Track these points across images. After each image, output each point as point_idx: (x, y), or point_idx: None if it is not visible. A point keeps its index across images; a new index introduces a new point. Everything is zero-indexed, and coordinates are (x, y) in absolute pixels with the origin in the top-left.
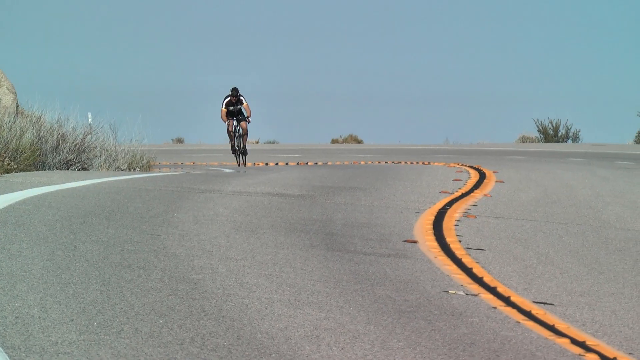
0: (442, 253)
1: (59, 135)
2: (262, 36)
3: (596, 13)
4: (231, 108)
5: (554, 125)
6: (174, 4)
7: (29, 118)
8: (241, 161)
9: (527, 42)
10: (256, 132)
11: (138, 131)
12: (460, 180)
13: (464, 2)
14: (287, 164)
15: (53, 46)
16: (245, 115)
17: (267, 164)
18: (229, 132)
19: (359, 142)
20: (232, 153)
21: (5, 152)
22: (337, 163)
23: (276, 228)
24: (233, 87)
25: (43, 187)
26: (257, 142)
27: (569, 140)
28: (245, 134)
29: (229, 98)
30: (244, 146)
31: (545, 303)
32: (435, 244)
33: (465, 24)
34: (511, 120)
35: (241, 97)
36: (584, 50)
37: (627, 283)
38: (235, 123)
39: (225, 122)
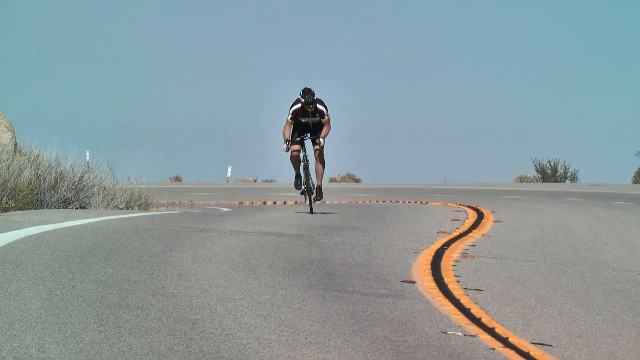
0: (440, 293)
1: (57, 174)
2: (257, 75)
3: (594, 52)
4: (303, 120)
5: (552, 165)
6: (173, 38)
7: (27, 156)
8: (311, 201)
9: (526, 81)
10: (253, 171)
11: (136, 169)
12: (458, 220)
13: (462, 41)
14: (285, 202)
15: (51, 83)
16: (319, 135)
17: (265, 202)
18: (292, 156)
19: (357, 181)
20: (298, 190)
21: (3, 191)
22: (335, 202)
23: (274, 268)
24: (305, 87)
25: (41, 226)
26: (255, 181)
27: (567, 180)
28: (319, 160)
29: (299, 105)
30: (319, 187)
31: (543, 344)
32: (434, 284)
33: (462, 62)
34: (509, 160)
35: (320, 107)
36: (582, 89)
37: (625, 324)
38: (300, 147)
39: (285, 141)
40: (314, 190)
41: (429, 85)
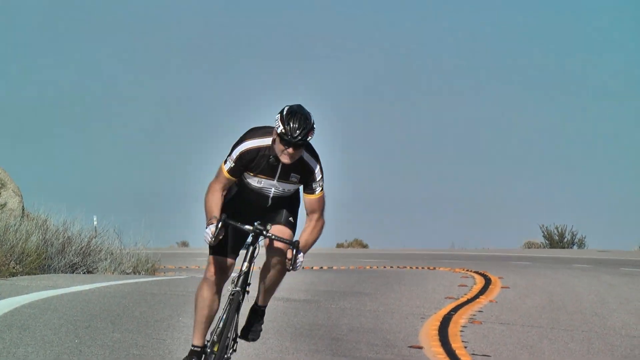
0: (447, 359)
1: (65, 239)
2: None
3: (600, 120)
4: (255, 184)
5: (560, 231)
6: (181, 104)
7: (34, 221)
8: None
9: (534, 148)
10: None
11: (143, 234)
12: (466, 285)
13: (470, 106)
14: None
15: (58, 149)
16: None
17: None
18: (212, 265)
19: (365, 246)
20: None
21: (10, 255)
22: (342, 268)
23: (281, 333)
24: (294, 106)
25: (48, 291)
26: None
27: (575, 246)
28: (276, 276)
29: (265, 142)
30: (261, 309)
31: None
32: (441, 349)
33: (469, 128)
34: (517, 226)
35: (309, 161)
36: (590, 157)
37: None
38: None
39: (208, 217)
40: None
41: (436, 152)
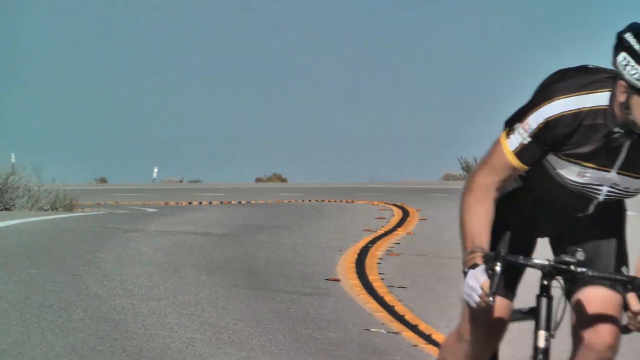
0: (364, 291)
1: None
2: (188, 78)
3: (521, 50)
4: (571, 179)
5: (479, 162)
6: (101, 38)
7: None
8: None
9: (451, 80)
10: (179, 171)
11: (62, 171)
12: (384, 218)
13: (390, 45)
14: (210, 203)
15: None
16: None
17: (190, 203)
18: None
19: (283, 180)
20: None
21: None
22: (261, 202)
23: (199, 267)
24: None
25: None
26: (182, 181)
27: None
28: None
29: (569, 106)
30: None
31: None
32: (358, 282)
33: (388, 63)
34: (435, 159)
35: None
36: (507, 89)
37: None
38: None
39: (469, 248)
40: None
41: (354, 85)
